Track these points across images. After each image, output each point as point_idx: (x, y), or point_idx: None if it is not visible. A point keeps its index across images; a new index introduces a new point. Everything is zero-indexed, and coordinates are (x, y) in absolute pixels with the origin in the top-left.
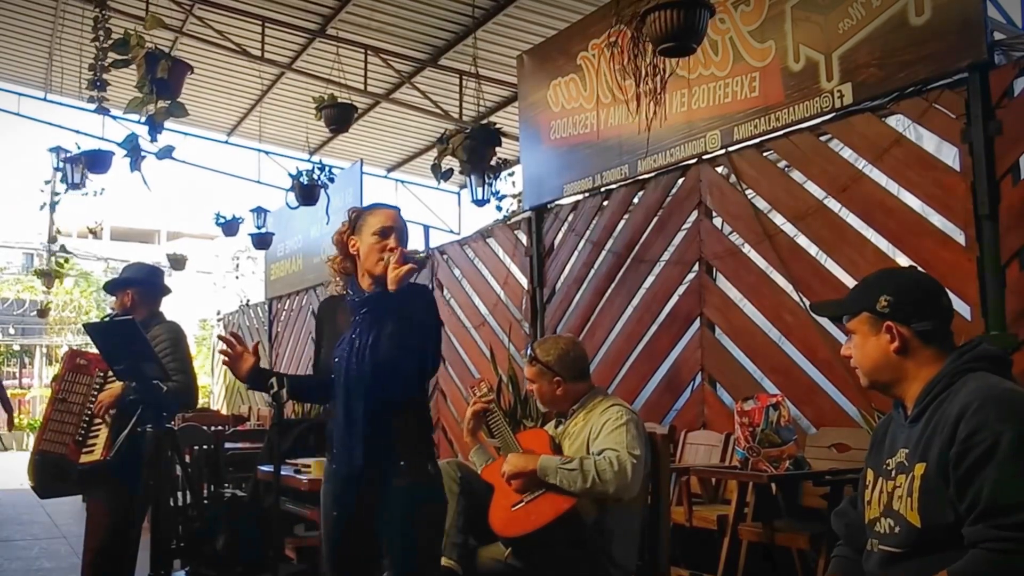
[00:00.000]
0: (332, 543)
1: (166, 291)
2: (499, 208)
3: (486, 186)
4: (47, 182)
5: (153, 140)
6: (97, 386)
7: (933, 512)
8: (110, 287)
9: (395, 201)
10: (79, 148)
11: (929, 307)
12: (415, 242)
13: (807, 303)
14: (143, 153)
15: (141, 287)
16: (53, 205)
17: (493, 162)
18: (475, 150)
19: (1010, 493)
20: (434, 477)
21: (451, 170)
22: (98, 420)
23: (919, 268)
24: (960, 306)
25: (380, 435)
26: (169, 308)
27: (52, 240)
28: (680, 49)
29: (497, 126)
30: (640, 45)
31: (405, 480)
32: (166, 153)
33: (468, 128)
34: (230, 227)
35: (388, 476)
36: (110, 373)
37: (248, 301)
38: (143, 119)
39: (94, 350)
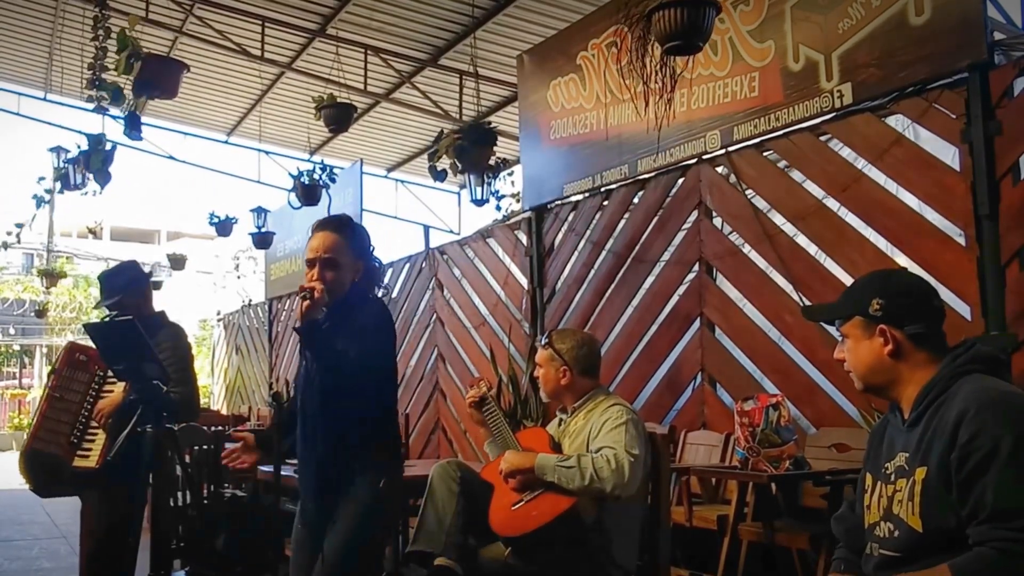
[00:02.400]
0: (293, 554)
1: (154, 284)
2: (498, 208)
3: (485, 186)
4: (47, 190)
5: (139, 138)
6: (96, 385)
7: (935, 516)
8: (104, 305)
9: (395, 201)
10: (80, 148)
11: (921, 309)
12: (415, 243)
13: (807, 303)
14: (112, 144)
15: (126, 293)
16: (40, 200)
17: (492, 162)
18: (467, 151)
19: (1013, 498)
20: (378, 493)
21: (445, 171)
22: (96, 424)
23: (919, 268)
24: (960, 306)
25: (333, 463)
26: (169, 308)
27: (19, 225)
28: (686, 48)
29: (495, 126)
30: (647, 44)
31: (351, 494)
32: (133, 126)
33: (460, 129)
34: (224, 227)
35: (339, 491)
36: (110, 371)
37: (250, 301)
38: (123, 115)
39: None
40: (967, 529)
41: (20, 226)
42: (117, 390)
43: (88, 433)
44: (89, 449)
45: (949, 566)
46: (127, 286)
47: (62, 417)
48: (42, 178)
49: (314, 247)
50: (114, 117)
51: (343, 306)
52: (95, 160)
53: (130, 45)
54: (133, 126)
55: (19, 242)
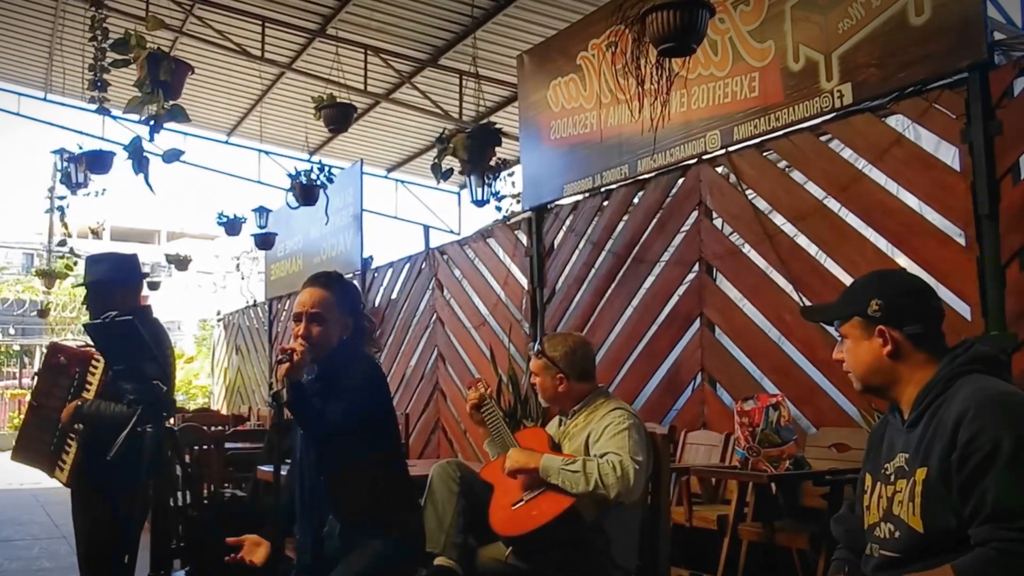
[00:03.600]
0: None
1: (152, 284)
2: (499, 208)
3: (486, 186)
4: (50, 190)
5: (151, 140)
6: (74, 390)
7: (935, 517)
8: (85, 284)
9: (395, 201)
10: (80, 148)
11: (920, 310)
12: (415, 243)
13: (807, 303)
14: (147, 156)
15: (104, 281)
16: (62, 209)
17: (493, 162)
18: (475, 149)
19: (1013, 498)
20: (386, 552)
21: (451, 170)
22: (72, 435)
23: (919, 268)
24: (960, 306)
25: (338, 530)
26: (170, 308)
27: (62, 243)
28: (680, 49)
29: (497, 126)
30: (642, 46)
31: (353, 559)
32: (173, 157)
33: (468, 127)
34: (232, 226)
35: (340, 556)
36: (89, 370)
37: (255, 301)
38: (143, 119)
39: (75, 344)
40: (969, 529)
41: (64, 243)
42: (87, 395)
43: (67, 443)
44: (64, 463)
45: (952, 567)
46: (105, 274)
47: (43, 426)
48: (62, 198)
49: (302, 302)
50: (115, 118)
51: (331, 364)
52: (140, 165)
53: (145, 47)
54: (158, 129)
55: (75, 262)
